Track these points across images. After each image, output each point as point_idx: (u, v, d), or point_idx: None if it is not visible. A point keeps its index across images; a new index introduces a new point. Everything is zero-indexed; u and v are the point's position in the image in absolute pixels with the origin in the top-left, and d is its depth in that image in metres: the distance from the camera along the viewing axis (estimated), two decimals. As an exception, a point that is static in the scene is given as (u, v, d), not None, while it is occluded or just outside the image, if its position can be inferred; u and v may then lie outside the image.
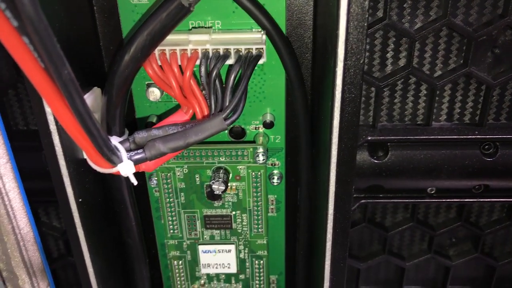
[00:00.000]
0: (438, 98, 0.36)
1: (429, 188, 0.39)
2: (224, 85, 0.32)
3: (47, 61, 0.20)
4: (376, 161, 0.38)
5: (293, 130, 0.39)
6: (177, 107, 0.36)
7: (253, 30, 0.34)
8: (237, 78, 0.32)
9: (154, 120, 0.38)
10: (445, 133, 0.36)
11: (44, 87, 0.22)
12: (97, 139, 0.25)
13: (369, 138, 0.36)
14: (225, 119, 0.30)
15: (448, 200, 0.39)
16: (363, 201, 0.39)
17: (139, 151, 0.29)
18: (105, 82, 0.32)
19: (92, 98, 0.34)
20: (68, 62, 0.30)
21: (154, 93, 0.36)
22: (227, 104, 0.31)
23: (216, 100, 0.32)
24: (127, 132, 0.34)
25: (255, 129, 0.38)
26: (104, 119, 0.33)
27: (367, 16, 0.27)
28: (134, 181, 0.29)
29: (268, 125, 0.37)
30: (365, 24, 0.27)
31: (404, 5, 0.32)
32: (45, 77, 0.21)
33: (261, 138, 0.38)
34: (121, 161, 0.28)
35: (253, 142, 0.38)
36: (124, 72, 0.31)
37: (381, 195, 0.39)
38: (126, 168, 0.27)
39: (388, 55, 0.34)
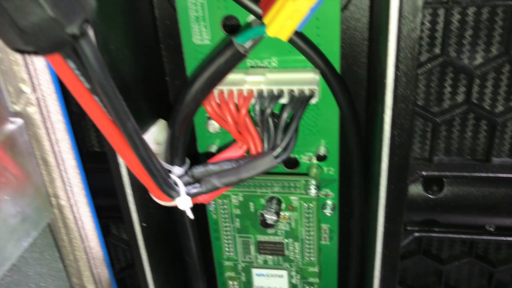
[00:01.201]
0: (500, 133, 0.35)
1: (488, 225, 0.39)
2: (276, 124, 0.33)
3: (114, 116, 0.23)
4: (430, 196, 0.38)
5: (346, 163, 0.39)
6: (233, 139, 0.38)
7: (308, 68, 0.35)
8: (289, 116, 0.33)
9: (214, 149, 0.40)
10: (507, 171, 0.35)
11: (111, 135, 0.24)
12: (157, 178, 0.28)
13: (424, 173, 0.36)
14: (276, 157, 0.32)
15: (508, 239, 0.38)
16: (416, 234, 0.39)
17: (196, 185, 0.32)
18: (169, 113, 0.34)
19: (158, 129, 0.37)
20: (137, 96, 0.33)
21: (214, 126, 0.38)
22: (278, 142, 0.33)
23: (269, 137, 0.33)
24: (188, 161, 0.37)
25: (309, 160, 0.39)
26: (168, 149, 0.36)
27: (416, 64, 0.28)
28: (191, 216, 0.31)
29: (322, 158, 0.38)
30: (415, 73, 0.28)
31: (463, 41, 0.32)
32: (112, 127, 0.24)
33: (314, 170, 0.39)
34: (179, 195, 0.30)
35: (306, 174, 0.39)
36: (186, 111, 0.33)
37: (436, 229, 0.39)
38: (183, 203, 0.30)
39: (446, 90, 0.34)
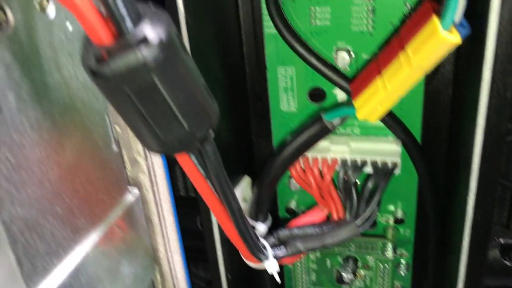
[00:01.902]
0: None
1: None
2: (359, 193, 0.35)
3: (223, 198, 0.26)
4: (508, 263, 0.38)
5: (423, 225, 0.40)
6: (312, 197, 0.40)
7: (390, 137, 0.37)
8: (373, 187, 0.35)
9: (293, 205, 0.42)
10: None
11: (216, 209, 0.27)
12: (250, 244, 0.30)
13: (502, 241, 0.37)
14: (359, 226, 0.34)
15: None
16: (493, 299, 0.39)
17: (281, 247, 0.34)
18: (253, 170, 0.37)
19: (244, 186, 0.40)
20: (228, 154, 0.36)
21: (295, 185, 0.41)
22: (361, 212, 0.34)
23: (351, 205, 0.35)
24: (270, 217, 0.39)
25: (386, 222, 0.41)
26: (253, 206, 0.38)
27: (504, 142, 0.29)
28: (278, 280, 0.33)
29: (399, 221, 0.40)
30: (502, 148, 0.29)
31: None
32: (219, 206, 0.27)
33: (390, 232, 0.40)
34: (267, 259, 0.33)
35: (383, 236, 0.40)
36: (273, 174, 0.36)
37: (514, 295, 0.39)
38: (271, 266, 0.32)
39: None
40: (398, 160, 0.35)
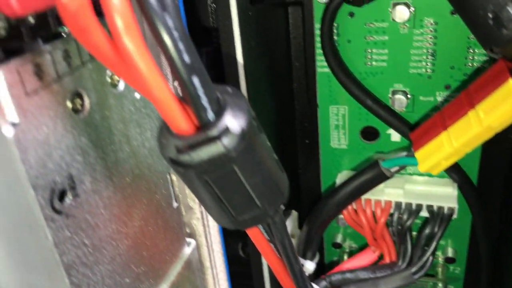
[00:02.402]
0: None
1: None
2: (414, 239, 0.34)
3: (286, 262, 0.25)
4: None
5: (474, 264, 0.39)
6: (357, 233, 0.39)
7: (446, 179, 0.35)
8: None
9: (339, 239, 0.42)
10: None
11: (277, 270, 0.27)
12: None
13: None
14: (414, 273, 0.33)
15: None
16: None
17: (334, 293, 0.34)
18: (299, 205, 0.38)
19: (292, 222, 0.40)
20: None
21: (343, 221, 0.40)
22: (415, 259, 0.34)
23: (405, 251, 0.34)
24: (318, 255, 0.39)
25: (436, 259, 0.40)
26: (302, 244, 0.38)
27: None
28: (332, 329, 0.33)
29: (450, 260, 0.39)
30: None
31: None
32: (282, 267, 0.26)
33: (440, 271, 0.39)
34: (320, 306, 0.32)
35: (433, 275, 0.40)
36: (325, 216, 0.36)
37: None
38: (325, 315, 0.32)
39: None
40: (455, 205, 0.34)
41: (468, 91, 0.27)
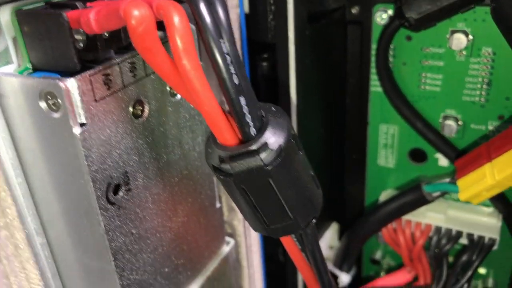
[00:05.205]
0: None
1: None
2: (451, 265, 0.34)
3: (316, 271, 0.26)
4: None
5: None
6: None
7: (489, 209, 0.35)
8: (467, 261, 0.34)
9: (378, 256, 0.42)
10: None
11: (308, 278, 0.28)
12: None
13: None
14: (448, 301, 0.33)
15: None
16: None
17: (366, 308, 0.35)
18: (341, 217, 0.39)
19: (332, 233, 0.41)
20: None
21: (382, 238, 0.40)
22: (449, 285, 0.34)
23: (440, 276, 0.35)
24: (354, 268, 0.40)
25: (474, 287, 0.39)
26: (340, 256, 0.39)
27: None
28: None
29: (489, 291, 0.38)
30: None
31: None
32: (312, 275, 0.28)
33: (479, 301, 0.39)
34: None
35: (470, 304, 0.39)
36: (365, 233, 0.36)
37: None
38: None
39: None
40: (497, 236, 0.33)
41: (517, 126, 0.27)
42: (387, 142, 0.37)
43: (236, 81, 0.18)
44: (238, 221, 0.34)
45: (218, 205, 0.29)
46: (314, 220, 0.23)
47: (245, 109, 0.19)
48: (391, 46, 0.34)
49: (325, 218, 0.41)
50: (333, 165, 0.40)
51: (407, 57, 0.34)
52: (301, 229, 0.22)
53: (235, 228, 0.34)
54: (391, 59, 0.34)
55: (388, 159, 0.38)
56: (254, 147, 0.19)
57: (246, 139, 0.19)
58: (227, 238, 0.32)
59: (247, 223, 0.35)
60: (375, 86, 0.36)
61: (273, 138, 0.19)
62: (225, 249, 0.31)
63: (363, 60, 0.36)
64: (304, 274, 0.28)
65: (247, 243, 0.35)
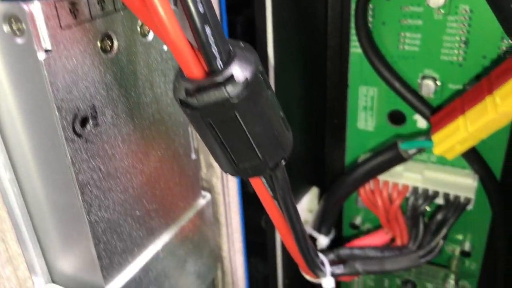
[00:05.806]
0: None
1: None
2: (427, 223, 0.35)
3: (287, 219, 0.27)
4: None
5: (490, 262, 0.39)
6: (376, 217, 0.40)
7: (466, 170, 0.35)
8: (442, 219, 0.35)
9: (358, 221, 0.42)
10: None
11: (283, 231, 0.28)
12: (309, 261, 0.31)
13: None
14: (421, 257, 0.34)
15: None
16: None
17: (339, 266, 0.35)
18: (322, 183, 0.39)
19: (311, 198, 0.41)
20: (298, 165, 0.37)
21: (362, 203, 0.41)
22: (425, 243, 0.34)
23: (417, 234, 0.35)
24: (333, 231, 0.40)
25: (452, 252, 0.40)
26: (318, 218, 0.39)
27: None
28: (333, 297, 0.34)
29: (466, 254, 0.39)
30: None
31: None
32: (284, 225, 0.28)
33: (455, 264, 0.39)
34: (325, 276, 0.33)
35: (446, 266, 0.40)
36: (342, 193, 0.37)
37: None
38: (328, 283, 0.33)
39: None
40: (472, 196, 0.34)
41: (489, 77, 0.27)
42: (366, 104, 0.38)
43: (201, 9, 0.18)
44: (216, 178, 0.34)
45: (193, 156, 0.29)
46: (283, 162, 0.23)
47: (211, 40, 0.19)
48: (370, 6, 0.34)
49: (305, 182, 0.41)
50: (312, 129, 0.40)
51: (386, 16, 0.34)
52: (269, 169, 0.22)
53: (213, 185, 0.34)
54: (370, 19, 0.34)
55: (367, 122, 0.38)
56: (219, 79, 0.19)
57: (213, 72, 0.19)
58: (204, 192, 0.32)
59: (226, 182, 0.35)
60: (355, 47, 0.36)
61: (239, 71, 0.19)
62: (201, 202, 0.31)
63: (343, 20, 0.36)
64: (276, 223, 0.28)
65: (225, 201, 0.35)
